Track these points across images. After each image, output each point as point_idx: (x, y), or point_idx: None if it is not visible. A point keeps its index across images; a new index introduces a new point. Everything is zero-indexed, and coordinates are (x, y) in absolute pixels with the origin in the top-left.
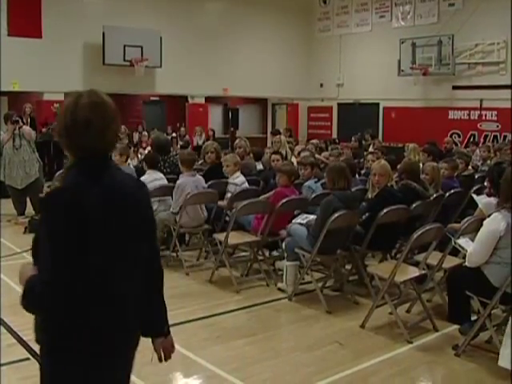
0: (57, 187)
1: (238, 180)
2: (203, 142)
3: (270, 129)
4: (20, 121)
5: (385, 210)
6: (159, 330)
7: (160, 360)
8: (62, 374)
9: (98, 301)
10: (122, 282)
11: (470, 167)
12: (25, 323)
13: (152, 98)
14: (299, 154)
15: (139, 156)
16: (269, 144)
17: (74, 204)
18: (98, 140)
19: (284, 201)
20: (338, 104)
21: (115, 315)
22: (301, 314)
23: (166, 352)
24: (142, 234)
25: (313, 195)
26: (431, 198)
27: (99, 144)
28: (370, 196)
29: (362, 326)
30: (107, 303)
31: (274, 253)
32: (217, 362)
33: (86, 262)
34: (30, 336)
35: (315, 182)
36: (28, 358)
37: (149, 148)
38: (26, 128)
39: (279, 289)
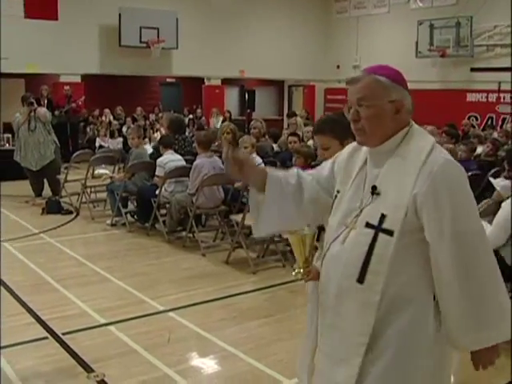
0: None
1: None
2: (220, 124)
3: (286, 111)
4: (35, 103)
5: None
6: None
7: None
8: None
9: None
10: None
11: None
12: (43, 303)
13: (168, 80)
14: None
15: (156, 137)
16: (285, 126)
17: None
18: None
19: None
20: None
21: None
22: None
23: None
24: None
25: None
26: None
27: None
28: None
29: None
30: None
31: None
32: (233, 342)
33: None
34: (48, 315)
35: None
36: (46, 337)
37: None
38: (41, 110)
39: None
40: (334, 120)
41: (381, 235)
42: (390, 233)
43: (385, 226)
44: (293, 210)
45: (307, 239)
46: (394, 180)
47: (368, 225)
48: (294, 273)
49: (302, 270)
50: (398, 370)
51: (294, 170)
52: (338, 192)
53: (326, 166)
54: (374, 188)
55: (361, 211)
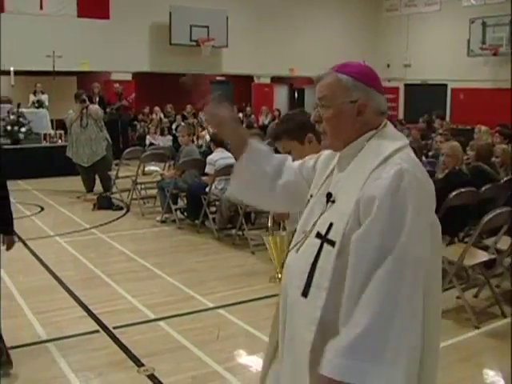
0: None
1: None
2: (269, 122)
3: None
4: (87, 100)
5: (454, 193)
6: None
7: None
8: None
9: None
10: None
11: None
12: (94, 297)
13: (218, 78)
14: None
15: (204, 135)
16: None
17: None
18: None
19: None
20: (405, 85)
21: None
22: None
23: (8, 245)
24: None
25: None
26: (502, 181)
27: None
28: (438, 177)
29: None
30: None
31: None
32: None
33: None
34: (99, 310)
35: None
36: (98, 331)
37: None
38: (93, 107)
39: None
40: (284, 121)
41: (325, 246)
42: (332, 244)
43: (329, 235)
44: (265, 187)
45: (283, 242)
46: (347, 186)
47: (318, 234)
48: (270, 278)
49: (279, 276)
50: None
51: (285, 156)
52: (311, 196)
53: (311, 160)
54: (329, 195)
55: (318, 219)
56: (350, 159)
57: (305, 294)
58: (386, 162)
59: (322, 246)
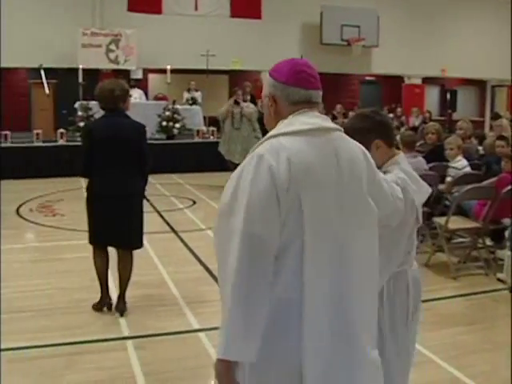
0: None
1: (459, 164)
2: (420, 123)
3: (488, 112)
4: (241, 103)
5: None
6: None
7: None
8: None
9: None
10: (114, 167)
11: None
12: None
13: (367, 78)
14: None
15: None
16: (486, 128)
17: (90, 128)
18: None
19: (509, 188)
20: None
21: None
22: None
23: None
24: (131, 149)
25: None
26: None
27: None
28: None
29: None
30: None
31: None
32: (432, 347)
33: (93, 155)
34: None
35: None
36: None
37: None
38: (248, 110)
39: (499, 279)
40: (356, 120)
41: None
42: None
43: None
44: None
45: None
46: None
47: None
48: None
49: None
50: None
51: None
52: None
53: None
54: None
55: None
56: None
57: None
58: (259, 145)
59: None
